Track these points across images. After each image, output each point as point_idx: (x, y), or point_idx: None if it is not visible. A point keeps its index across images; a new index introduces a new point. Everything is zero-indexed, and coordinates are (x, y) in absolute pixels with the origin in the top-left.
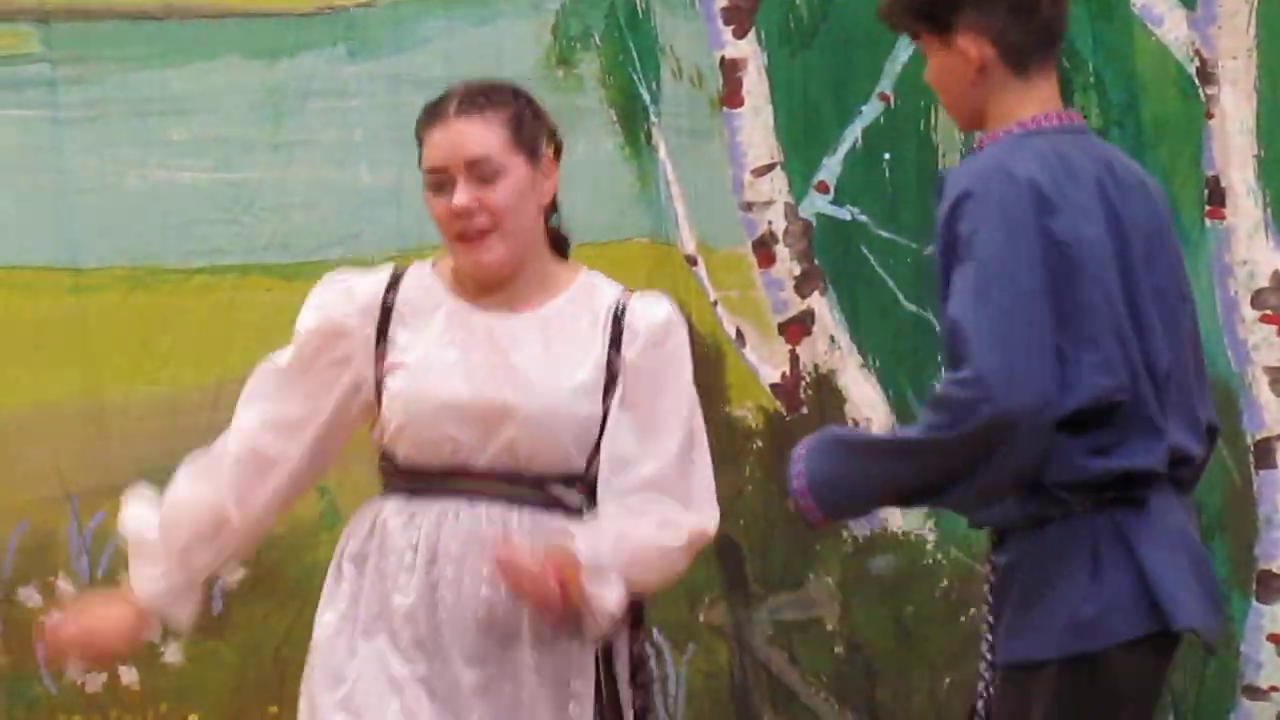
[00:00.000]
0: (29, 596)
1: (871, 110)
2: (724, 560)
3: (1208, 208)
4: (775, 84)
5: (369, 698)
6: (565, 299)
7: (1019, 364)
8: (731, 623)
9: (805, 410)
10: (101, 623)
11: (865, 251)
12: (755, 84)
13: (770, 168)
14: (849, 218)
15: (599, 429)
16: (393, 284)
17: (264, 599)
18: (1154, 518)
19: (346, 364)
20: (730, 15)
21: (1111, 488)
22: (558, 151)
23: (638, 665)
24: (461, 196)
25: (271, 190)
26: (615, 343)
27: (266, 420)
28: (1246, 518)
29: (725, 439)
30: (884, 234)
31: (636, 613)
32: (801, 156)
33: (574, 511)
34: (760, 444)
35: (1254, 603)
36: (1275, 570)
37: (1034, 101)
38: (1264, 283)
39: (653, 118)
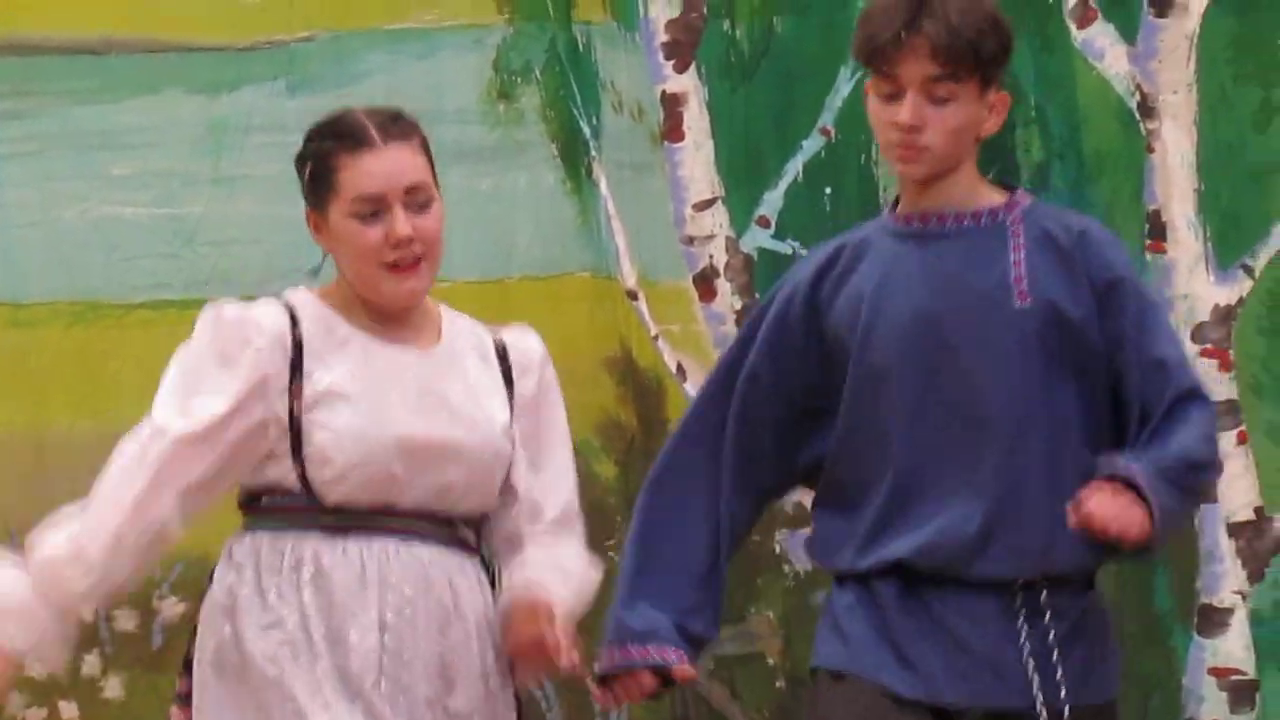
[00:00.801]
0: None
1: (813, 144)
2: None
3: (1149, 242)
4: (716, 118)
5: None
6: (449, 334)
7: None
8: None
9: None
10: None
11: None
12: (696, 118)
13: (711, 202)
14: (790, 251)
15: (509, 468)
16: (292, 315)
17: None
18: None
19: (262, 403)
20: (671, 50)
21: None
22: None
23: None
24: (404, 225)
25: (213, 225)
26: (508, 378)
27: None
28: (1188, 552)
29: None
30: None
31: None
32: (743, 191)
33: (473, 551)
34: None
35: (1195, 636)
36: (1217, 604)
37: None
38: (1204, 317)
39: (594, 152)
